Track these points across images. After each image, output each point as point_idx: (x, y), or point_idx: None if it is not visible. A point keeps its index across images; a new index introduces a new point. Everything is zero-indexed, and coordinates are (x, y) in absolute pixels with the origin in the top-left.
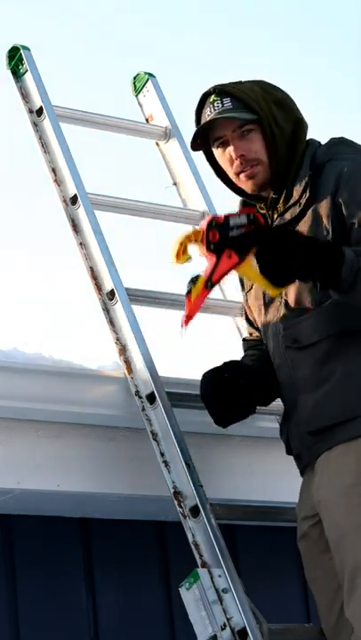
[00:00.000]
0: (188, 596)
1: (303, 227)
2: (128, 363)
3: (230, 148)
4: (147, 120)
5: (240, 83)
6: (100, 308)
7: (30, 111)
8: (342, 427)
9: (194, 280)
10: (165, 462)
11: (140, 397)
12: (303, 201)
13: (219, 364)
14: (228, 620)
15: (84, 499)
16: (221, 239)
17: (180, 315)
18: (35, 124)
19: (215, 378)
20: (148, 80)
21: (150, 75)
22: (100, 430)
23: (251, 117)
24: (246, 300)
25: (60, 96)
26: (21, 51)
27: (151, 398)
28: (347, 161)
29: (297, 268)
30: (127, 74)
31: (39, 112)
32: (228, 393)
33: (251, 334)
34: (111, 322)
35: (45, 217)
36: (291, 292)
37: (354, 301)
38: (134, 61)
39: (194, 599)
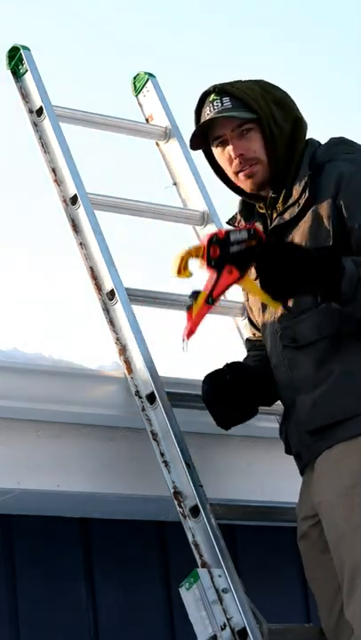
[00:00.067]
0: (188, 596)
1: (303, 227)
2: (128, 363)
3: (229, 148)
4: (147, 120)
5: (240, 82)
6: (100, 307)
7: (30, 111)
8: (342, 425)
9: (195, 295)
10: (165, 462)
11: (140, 397)
12: (302, 201)
13: (220, 365)
14: (228, 620)
15: (83, 499)
16: (222, 255)
17: (179, 315)
18: (35, 124)
19: (217, 379)
20: (148, 80)
21: (150, 75)
22: (100, 430)
23: (250, 117)
24: (247, 301)
25: (60, 96)
26: (21, 51)
27: (151, 398)
28: (347, 162)
29: (297, 282)
30: (127, 74)
31: (39, 112)
32: (230, 394)
33: (253, 335)
34: (111, 322)
35: (45, 217)
36: None
37: (355, 312)
38: (134, 61)
39: (194, 599)
